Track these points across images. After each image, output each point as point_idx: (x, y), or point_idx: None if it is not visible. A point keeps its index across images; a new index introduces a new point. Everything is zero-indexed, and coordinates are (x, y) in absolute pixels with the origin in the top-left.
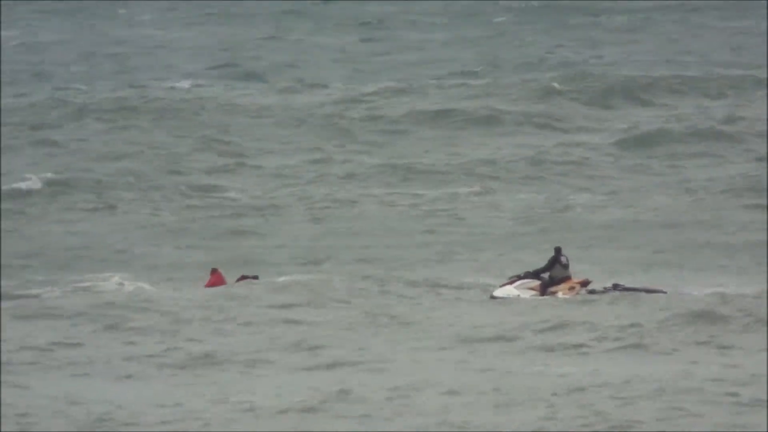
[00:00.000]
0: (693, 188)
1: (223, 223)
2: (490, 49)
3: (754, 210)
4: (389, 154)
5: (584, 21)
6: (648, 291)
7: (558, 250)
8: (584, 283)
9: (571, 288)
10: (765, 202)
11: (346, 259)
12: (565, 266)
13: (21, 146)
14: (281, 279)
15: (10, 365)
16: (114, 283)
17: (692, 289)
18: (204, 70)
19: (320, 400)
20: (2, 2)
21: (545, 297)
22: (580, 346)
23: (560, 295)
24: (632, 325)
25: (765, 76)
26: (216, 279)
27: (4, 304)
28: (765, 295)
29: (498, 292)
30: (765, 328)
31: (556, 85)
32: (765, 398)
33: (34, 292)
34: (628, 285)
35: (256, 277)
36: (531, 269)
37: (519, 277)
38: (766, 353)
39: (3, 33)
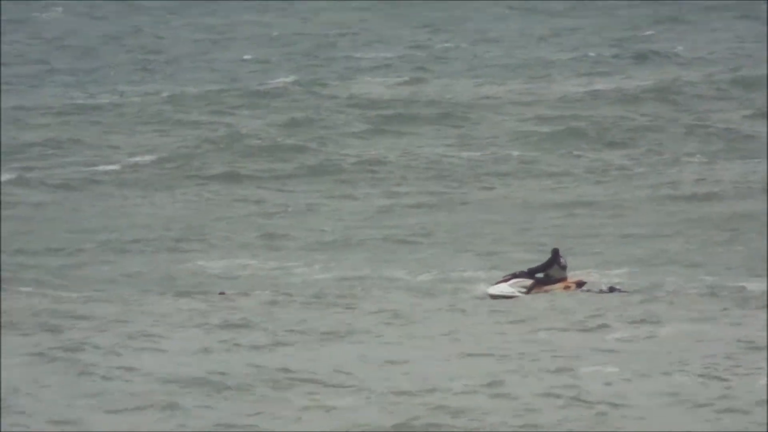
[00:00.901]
0: None
1: None
2: None
3: None
4: None
5: None
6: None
7: (556, 252)
8: (579, 284)
9: (566, 287)
10: None
11: None
12: (564, 268)
13: None
14: None
15: None
16: None
17: None
18: None
19: None
20: None
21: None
22: None
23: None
24: None
25: None
26: None
27: None
28: None
29: (492, 290)
30: None
31: None
32: None
33: None
34: (623, 288)
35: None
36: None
37: (514, 275)
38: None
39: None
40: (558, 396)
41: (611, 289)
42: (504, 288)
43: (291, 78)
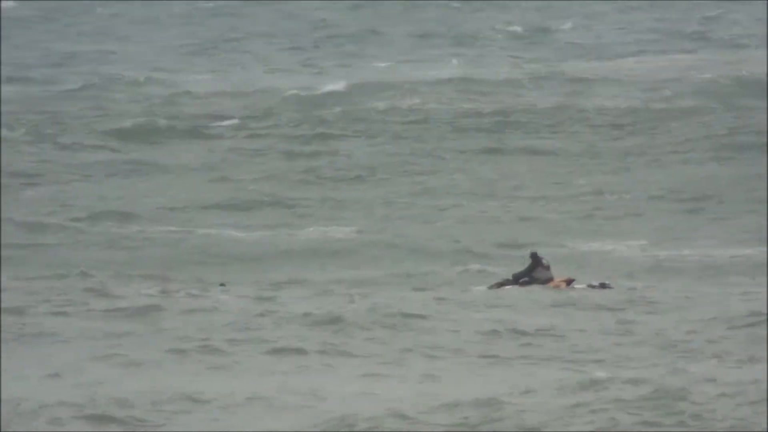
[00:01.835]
0: None
1: None
2: None
3: None
4: None
5: None
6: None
7: (534, 255)
8: (568, 282)
9: (556, 287)
10: None
11: None
12: (547, 267)
13: None
14: None
15: None
16: None
17: None
18: None
19: None
20: None
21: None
22: None
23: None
24: None
25: None
26: None
27: None
28: None
29: None
30: None
31: None
32: None
33: None
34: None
35: None
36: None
37: (499, 285)
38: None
39: None
40: None
41: (602, 285)
42: None
43: None
